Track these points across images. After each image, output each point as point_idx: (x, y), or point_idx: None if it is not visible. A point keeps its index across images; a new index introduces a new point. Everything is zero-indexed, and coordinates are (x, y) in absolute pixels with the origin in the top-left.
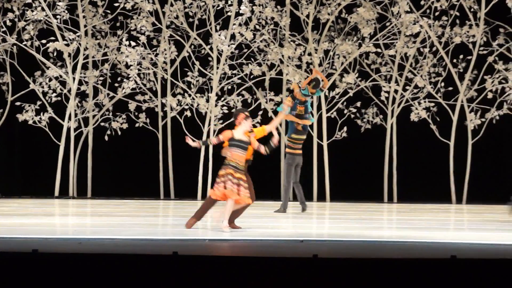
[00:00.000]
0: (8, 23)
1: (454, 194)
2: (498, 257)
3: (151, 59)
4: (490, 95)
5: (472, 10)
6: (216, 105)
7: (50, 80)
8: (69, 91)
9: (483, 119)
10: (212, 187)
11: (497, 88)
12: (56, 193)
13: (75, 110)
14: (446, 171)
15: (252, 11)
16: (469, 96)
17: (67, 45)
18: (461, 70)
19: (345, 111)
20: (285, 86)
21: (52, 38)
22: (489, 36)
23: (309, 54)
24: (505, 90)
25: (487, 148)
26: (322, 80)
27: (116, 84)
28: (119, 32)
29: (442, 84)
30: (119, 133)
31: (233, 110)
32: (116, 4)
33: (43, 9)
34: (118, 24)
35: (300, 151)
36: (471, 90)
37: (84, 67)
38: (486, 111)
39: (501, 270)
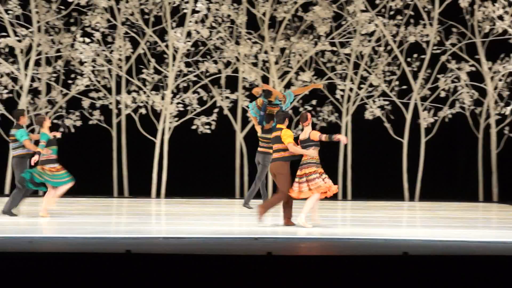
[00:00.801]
0: None
1: (407, 191)
2: (449, 253)
3: (106, 56)
4: (443, 94)
5: (426, 9)
6: (171, 103)
7: (2, 76)
8: (21, 87)
9: (436, 118)
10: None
11: (450, 87)
12: (7, 191)
13: (27, 107)
14: (400, 169)
15: (209, 9)
16: (422, 94)
17: (19, 41)
18: (415, 69)
19: (301, 109)
20: (241, 84)
21: (4, 34)
22: (443, 36)
23: (265, 52)
24: (458, 89)
25: (439, 146)
26: (271, 92)
27: (70, 81)
28: (73, 28)
29: (397, 82)
30: (73, 130)
31: (301, 111)
32: (70, 0)
33: None
34: (72, 20)
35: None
36: (424, 88)
37: (37, 63)
38: (439, 109)
39: (452, 267)
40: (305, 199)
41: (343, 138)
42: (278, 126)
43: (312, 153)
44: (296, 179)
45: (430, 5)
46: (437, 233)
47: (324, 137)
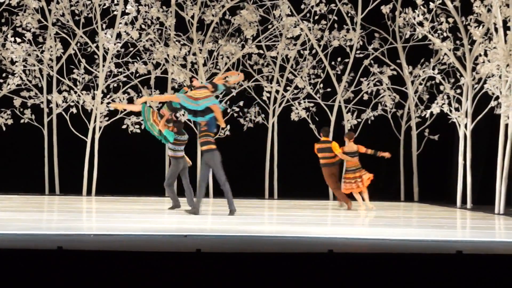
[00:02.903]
0: None
1: (331, 191)
2: (372, 251)
3: (37, 55)
4: (366, 97)
5: (349, 15)
6: (102, 103)
7: None
8: None
9: (359, 119)
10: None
11: (373, 90)
12: None
13: None
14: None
15: (138, 11)
16: (346, 97)
17: None
18: (339, 72)
19: (229, 110)
20: (170, 84)
21: None
22: (365, 40)
23: (194, 54)
24: (380, 92)
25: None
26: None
27: (1, 80)
28: (4, 28)
29: (321, 85)
30: (4, 128)
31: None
32: (1, 1)
33: None
34: (3, 20)
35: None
36: (348, 91)
37: None
38: (362, 111)
39: (375, 264)
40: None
41: (386, 154)
42: (325, 139)
43: (356, 160)
44: (347, 180)
45: (353, 10)
46: (361, 232)
47: (369, 151)
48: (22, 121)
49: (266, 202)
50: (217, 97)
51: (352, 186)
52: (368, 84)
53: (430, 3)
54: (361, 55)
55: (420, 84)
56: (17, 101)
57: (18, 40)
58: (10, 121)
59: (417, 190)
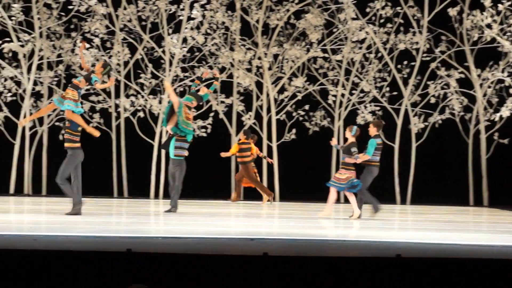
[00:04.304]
0: None
1: (398, 195)
2: (441, 256)
3: (105, 61)
4: (433, 100)
5: (415, 18)
6: None
7: (6, 80)
8: (24, 91)
9: (426, 123)
10: None
11: (440, 93)
12: (11, 190)
13: (30, 110)
14: (391, 173)
15: (204, 16)
16: (413, 100)
17: (22, 46)
18: (405, 76)
19: (294, 114)
20: (235, 89)
21: (7, 39)
22: (432, 43)
23: (259, 58)
24: (448, 96)
25: (430, 151)
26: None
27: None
28: (73, 34)
29: (387, 88)
30: None
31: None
32: (71, 7)
33: None
34: (72, 26)
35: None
36: (414, 95)
37: (39, 68)
38: (429, 115)
39: (444, 269)
40: None
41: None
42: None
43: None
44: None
45: (419, 13)
46: (429, 236)
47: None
48: (91, 125)
49: (340, 205)
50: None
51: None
52: (435, 87)
53: (499, 5)
54: (428, 58)
55: (489, 87)
56: (86, 106)
57: (87, 45)
58: None
59: (486, 194)
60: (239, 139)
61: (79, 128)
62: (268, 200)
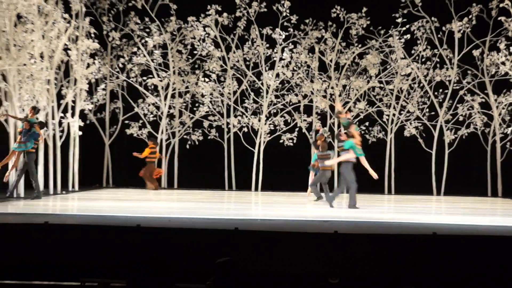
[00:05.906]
0: (120, 65)
1: (435, 188)
2: (466, 234)
3: (219, 90)
4: (461, 118)
5: (448, 57)
6: (265, 124)
7: (149, 105)
8: (162, 113)
9: (456, 135)
10: None
11: (466, 113)
12: (163, 184)
13: (166, 127)
14: (429, 173)
15: (291, 57)
16: (446, 118)
17: (161, 80)
18: (440, 100)
19: (357, 128)
20: (314, 110)
21: (150, 76)
22: (460, 76)
23: (332, 88)
24: (472, 115)
25: (459, 156)
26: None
27: (195, 109)
28: (197, 71)
29: (427, 110)
30: (197, 143)
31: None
32: (195, 52)
33: (144, 56)
34: (196, 65)
35: None
36: (447, 114)
37: (172, 96)
38: (458, 129)
39: (469, 244)
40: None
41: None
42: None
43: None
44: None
45: (451, 54)
46: (458, 219)
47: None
48: (209, 137)
49: (385, 197)
50: None
51: None
52: (462, 108)
53: (511, 48)
54: (457, 87)
55: (503, 108)
56: (205, 123)
57: (207, 79)
58: (201, 138)
59: (500, 188)
60: (149, 145)
61: None
62: (153, 189)
